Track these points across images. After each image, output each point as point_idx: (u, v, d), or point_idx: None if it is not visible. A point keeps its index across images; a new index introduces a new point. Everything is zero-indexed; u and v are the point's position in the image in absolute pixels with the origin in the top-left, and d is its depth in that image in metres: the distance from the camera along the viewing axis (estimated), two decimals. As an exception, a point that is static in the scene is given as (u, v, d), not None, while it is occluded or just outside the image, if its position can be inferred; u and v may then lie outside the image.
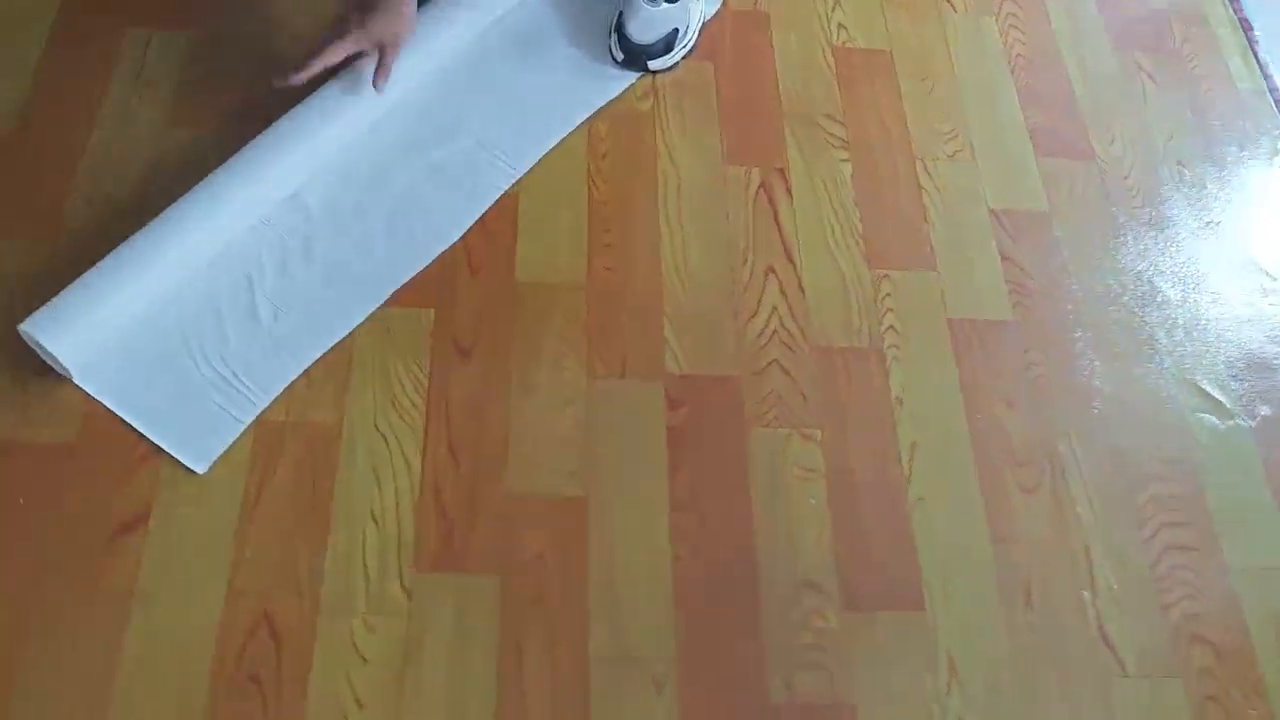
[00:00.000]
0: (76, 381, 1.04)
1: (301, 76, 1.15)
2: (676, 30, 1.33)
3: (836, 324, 1.19)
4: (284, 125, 1.16)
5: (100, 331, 1.04)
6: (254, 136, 1.16)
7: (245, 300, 1.12)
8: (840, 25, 1.43)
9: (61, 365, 1.03)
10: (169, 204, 1.11)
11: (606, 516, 1.05)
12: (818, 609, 1.02)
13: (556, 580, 1.01)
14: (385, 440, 1.06)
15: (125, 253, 1.06)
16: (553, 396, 1.11)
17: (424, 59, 1.25)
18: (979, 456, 1.12)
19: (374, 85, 1.18)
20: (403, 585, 0.99)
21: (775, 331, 1.18)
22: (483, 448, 1.07)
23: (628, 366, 1.13)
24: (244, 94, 1.24)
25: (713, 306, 1.19)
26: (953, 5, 1.47)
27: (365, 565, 1.00)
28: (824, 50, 1.40)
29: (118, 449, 1.02)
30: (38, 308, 1.02)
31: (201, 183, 1.11)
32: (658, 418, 1.11)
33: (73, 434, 1.02)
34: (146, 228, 1.08)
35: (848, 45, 1.41)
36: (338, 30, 1.16)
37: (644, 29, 1.32)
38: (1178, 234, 1.32)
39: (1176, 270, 1.29)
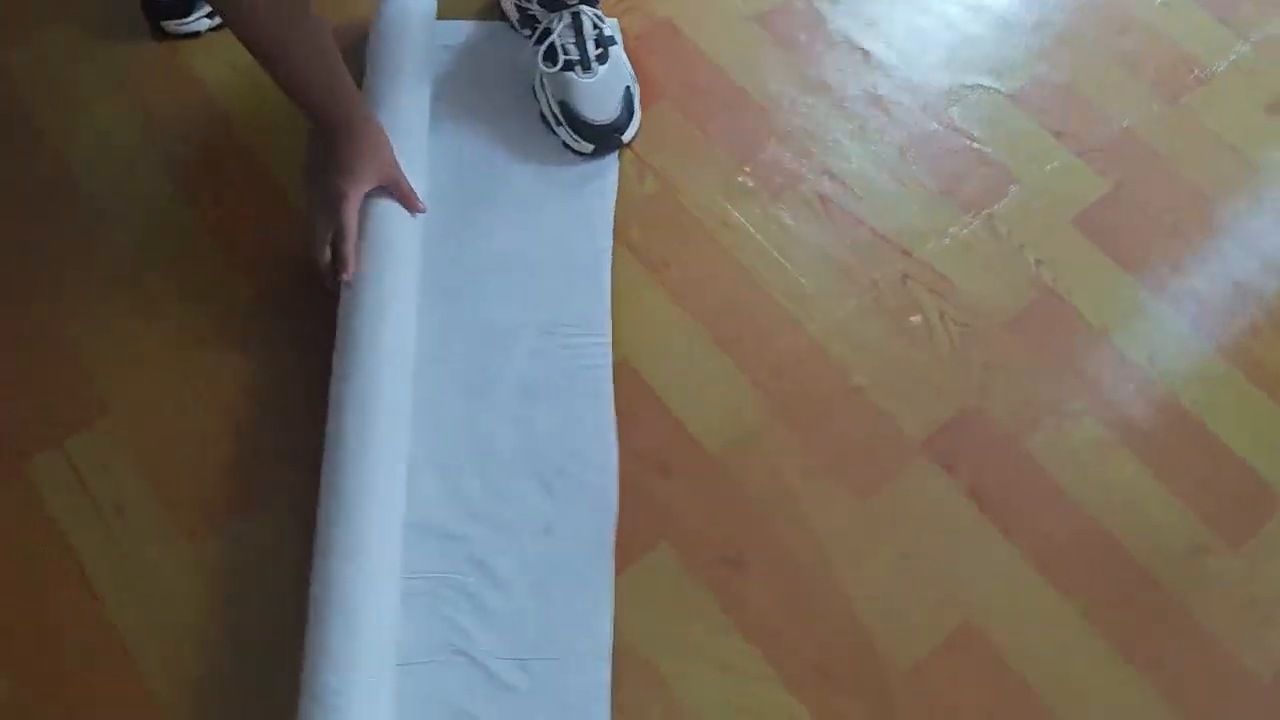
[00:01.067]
0: None
1: (353, 269, 0.94)
2: (628, 86, 1.12)
3: (997, 289, 1.08)
4: (338, 471, 0.85)
5: None
6: (280, 509, 0.89)
7: (478, 677, 0.84)
8: (736, -13, 1.26)
9: None
10: (266, 642, 0.82)
11: (1006, 638, 0.91)
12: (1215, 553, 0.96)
13: None
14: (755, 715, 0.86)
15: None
16: (863, 537, 0.93)
17: (406, 279, 0.97)
18: (1195, 330, 1.08)
19: (414, 211, 0.99)
20: None
21: (961, 335, 1.05)
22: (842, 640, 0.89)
23: (886, 461, 0.98)
24: (232, 457, 0.93)
25: (894, 347, 1.04)
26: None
27: None
28: (742, 21, 1.24)
29: None
30: None
31: (314, 604, 0.80)
32: (957, 499, 0.96)
33: None
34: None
35: (760, 6, 1.25)
36: (327, 206, 0.95)
37: (599, 105, 1.09)
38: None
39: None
